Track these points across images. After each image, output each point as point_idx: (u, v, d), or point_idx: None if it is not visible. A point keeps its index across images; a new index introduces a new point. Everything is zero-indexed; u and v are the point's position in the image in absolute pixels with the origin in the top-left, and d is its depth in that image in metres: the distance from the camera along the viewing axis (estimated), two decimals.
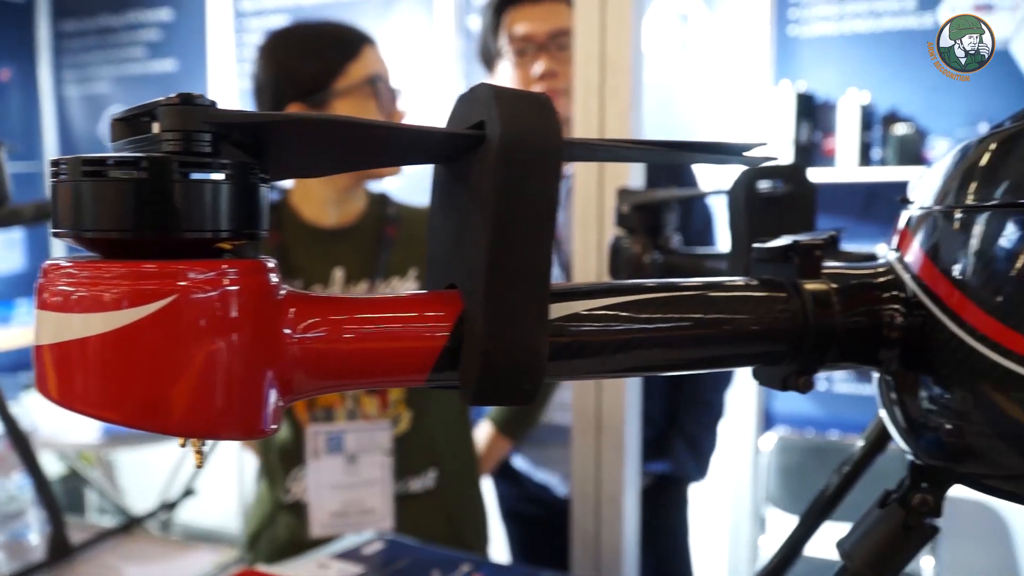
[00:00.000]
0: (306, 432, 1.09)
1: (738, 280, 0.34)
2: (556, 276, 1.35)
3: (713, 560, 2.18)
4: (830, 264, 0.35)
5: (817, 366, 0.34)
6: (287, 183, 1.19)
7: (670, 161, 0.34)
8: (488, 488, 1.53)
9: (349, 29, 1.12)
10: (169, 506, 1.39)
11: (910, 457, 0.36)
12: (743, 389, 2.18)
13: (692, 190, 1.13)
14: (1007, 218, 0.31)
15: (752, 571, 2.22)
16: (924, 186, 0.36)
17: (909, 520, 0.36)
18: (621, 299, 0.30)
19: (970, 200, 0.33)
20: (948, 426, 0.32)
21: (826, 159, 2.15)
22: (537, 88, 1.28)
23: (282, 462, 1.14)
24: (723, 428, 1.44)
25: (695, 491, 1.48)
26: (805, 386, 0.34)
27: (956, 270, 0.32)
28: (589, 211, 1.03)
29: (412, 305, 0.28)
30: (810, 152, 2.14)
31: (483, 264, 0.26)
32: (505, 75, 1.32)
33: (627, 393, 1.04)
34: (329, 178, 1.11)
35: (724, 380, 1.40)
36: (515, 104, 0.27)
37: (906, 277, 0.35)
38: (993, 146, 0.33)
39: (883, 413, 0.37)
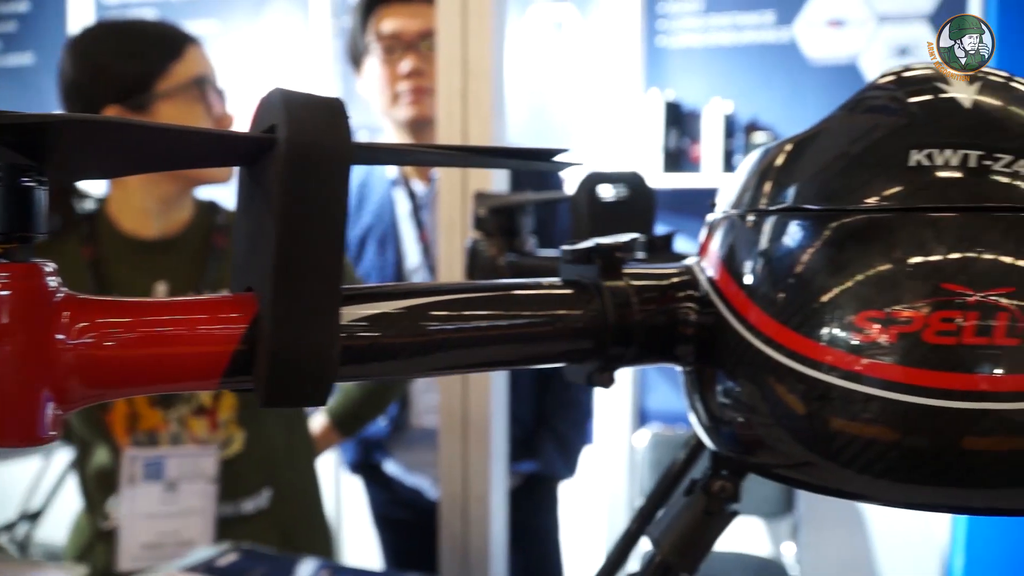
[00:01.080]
0: (123, 457, 1.03)
1: (544, 281, 0.36)
2: (426, 279, 1.35)
3: (589, 556, 2.23)
4: (634, 266, 0.37)
5: (619, 363, 0.36)
6: (102, 192, 1.13)
7: (479, 166, 0.35)
8: (360, 494, 1.51)
9: (171, 28, 1.07)
10: (7, 527, 1.31)
11: (710, 447, 0.38)
12: (617, 387, 2.24)
13: (549, 193, 1.15)
14: (785, 222, 0.33)
15: (628, 567, 2.29)
16: (726, 191, 0.39)
17: (710, 506, 0.38)
18: (420, 301, 0.31)
19: (757, 204, 0.35)
20: (739, 419, 0.34)
21: (692, 165, 2.24)
22: (404, 86, 1.28)
23: (100, 487, 1.07)
24: (593, 425, 1.48)
25: (569, 489, 1.51)
26: (607, 381, 0.36)
27: (741, 271, 0.34)
28: (453, 215, 1.04)
29: (204, 308, 0.28)
30: (678, 158, 2.23)
31: (271, 266, 0.27)
32: (372, 73, 1.31)
33: (492, 394, 1.05)
34: (151, 185, 1.06)
35: None
36: (304, 108, 0.27)
37: (702, 278, 0.37)
38: (783, 152, 0.36)
39: (687, 406, 0.39)
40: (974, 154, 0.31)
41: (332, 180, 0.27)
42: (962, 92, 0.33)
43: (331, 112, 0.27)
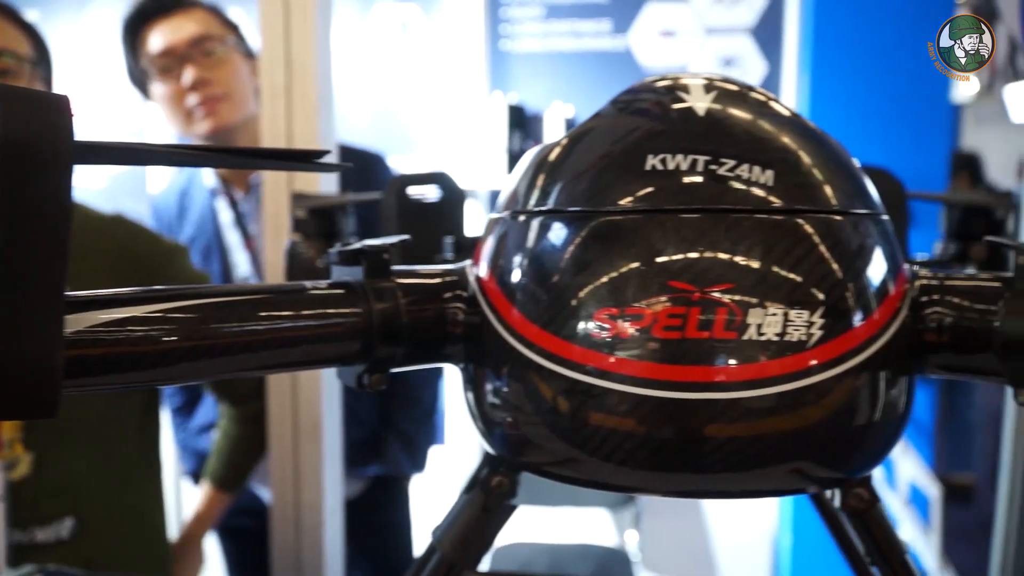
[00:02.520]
0: None
1: (311, 283, 0.35)
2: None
3: None
4: (407, 267, 0.37)
5: (390, 364, 0.36)
6: None
7: (225, 166, 0.34)
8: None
9: None
10: None
11: (485, 447, 0.39)
12: None
13: (366, 195, 1.14)
14: (542, 223, 0.35)
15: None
16: (504, 191, 0.40)
17: (488, 503, 0.39)
18: (161, 306, 0.30)
19: (523, 205, 0.36)
20: (507, 419, 0.35)
21: None
22: (192, 99, 1.20)
23: None
24: (444, 424, 1.48)
25: (424, 486, 1.51)
26: (378, 384, 0.36)
27: (504, 272, 0.35)
28: (278, 218, 1.01)
29: None
30: None
31: None
32: (158, 95, 1.24)
33: (324, 395, 1.03)
34: None
35: (434, 375, 1.44)
36: (22, 105, 0.25)
37: (471, 278, 0.37)
38: (548, 154, 0.37)
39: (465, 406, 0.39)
40: (702, 159, 0.33)
41: (51, 179, 0.25)
42: (700, 101, 0.35)
43: (52, 108, 0.26)
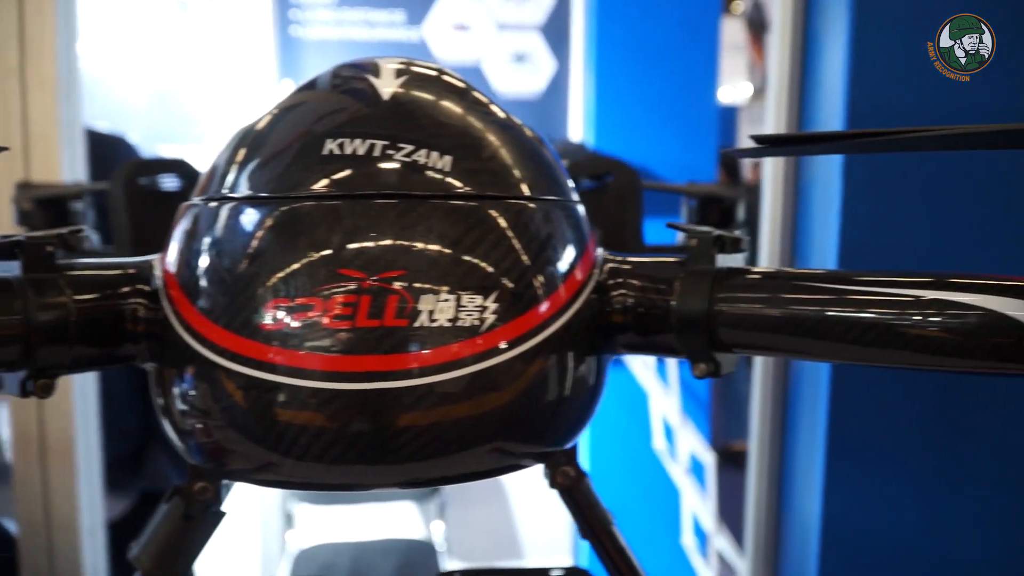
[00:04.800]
0: None
1: None
2: None
3: (244, 557, 2.14)
4: (81, 260, 0.34)
5: (59, 368, 0.32)
6: None
7: None
8: None
9: None
10: None
11: (182, 455, 0.37)
12: None
13: (100, 183, 1.06)
14: (220, 210, 0.33)
15: (281, 564, 2.23)
16: (202, 176, 0.37)
17: (190, 510, 0.37)
18: None
19: (211, 192, 0.34)
20: (197, 425, 0.33)
21: None
22: None
23: None
24: None
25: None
26: (45, 391, 0.32)
27: (184, 266, 0.33)
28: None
29: None
30: None
31: None
32: None
33: (76, 410, 0.94)
34: None
35: None
36: None
37: (158, 271, 0.35)
38: (239, 138, 0.35)
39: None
40: (380, 144, 0.32)
41: None
42: (387, 85, 0.35)
43: None
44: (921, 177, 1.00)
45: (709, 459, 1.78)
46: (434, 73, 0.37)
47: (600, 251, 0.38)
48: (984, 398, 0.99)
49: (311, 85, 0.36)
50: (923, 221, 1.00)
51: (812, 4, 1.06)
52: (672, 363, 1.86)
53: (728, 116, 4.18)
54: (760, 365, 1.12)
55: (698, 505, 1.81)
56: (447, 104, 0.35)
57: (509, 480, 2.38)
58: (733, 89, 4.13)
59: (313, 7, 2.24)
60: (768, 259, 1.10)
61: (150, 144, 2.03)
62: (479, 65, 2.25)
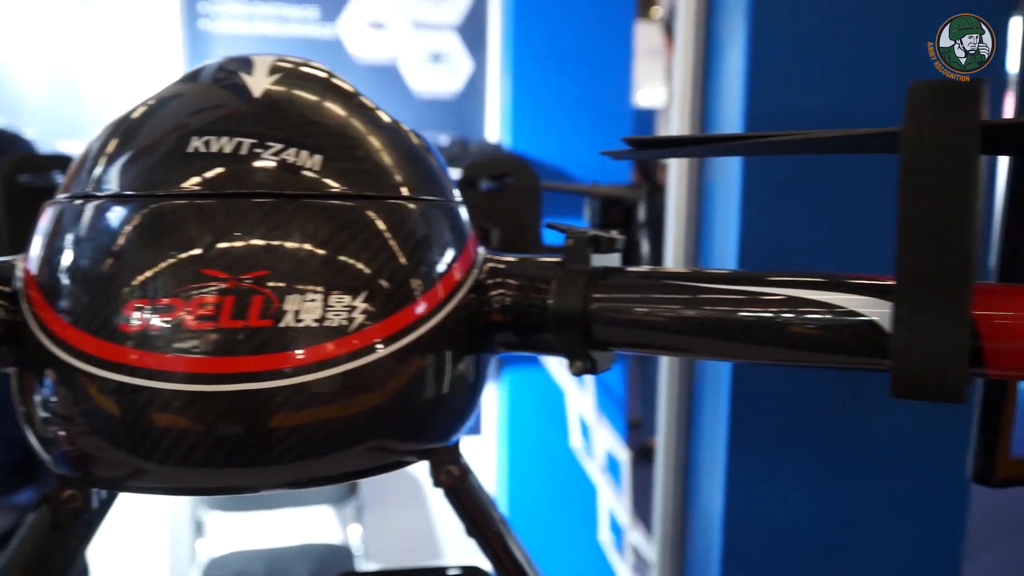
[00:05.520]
0: None
1: None
2: None
3: (154, 567, 2.07)
4: None
5: None
6: None
7: None
8: None
9: None
10: None
11: (47, 465, 0.35)
12: None
13: None
14: (82, 208, 0.32)
15: (192, 573, 2.17)
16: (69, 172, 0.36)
17: (59, 520, 0.35)
18: None
19: (75, 189, 0.33)
20: (61, 432, 0.32)
21: None
22: None
23: None
24: None
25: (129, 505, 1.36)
26: None
27: (44, 263, 0.32)
28: None
29: None
30: None
31: None
32: None
33: None
34: None
35: None
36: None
37: (19, 272, 0.34)
38: (107, 134, 0.34)
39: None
40: (247, 142, 0.32)
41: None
42: (259, 82, 0.34)
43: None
44: (815, 180, 1.04)
45: (624, 456, 1.82)
46: (311, 72, 0.36)
47: (481, 250, 0.39)
48: (872, 392, 1.04)
49: (192, 76, 0.35)
50: (817, 221, 1.05)
51: (714, 11, 1.10)
52: None
53: (647, 119, 4.27)
54: (666, 364, 1.15)
55: (614, 501, 1.84)
56: (320, 103, 0.35)
57: (428, 480, 2.37)
58: (652, 92, 4.22)
59: (222, 1, 2.19)
60: (673, 259, 1.13)
61: (50, 139, 1.94)
62: (395, 64, 2.23)
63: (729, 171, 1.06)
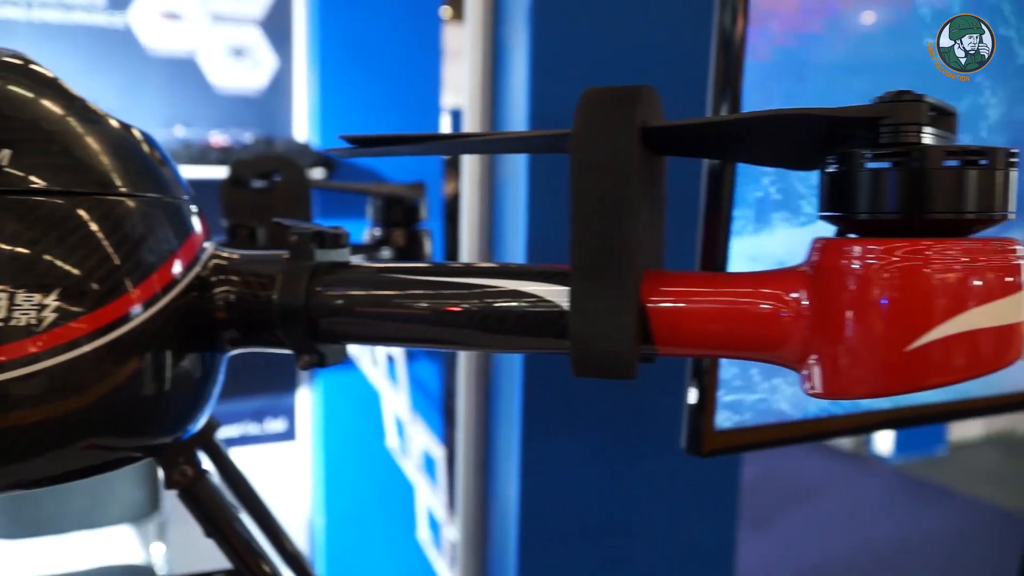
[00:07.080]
0: None
1: None
2: None
3: None
4: None
5: None
6: None
7: None
8: None
9: None
10: None
11: None
12: None
13: None
14: None
15: None
16: None
17: None
18: None
19: None
20: None
21: None
22: None
23: None
24: None
25: None
26: None
27: None
28: None
29: None
30: None
31: None
32: None
33: None
34: None
35: None
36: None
37: None
38: None
39: None
40: None
41: None
42: None
43: None
44: None
45: (439, 453, 1.84)
46: (16, 65, 0.35)
47: (208, 246, 0.38)
48: (650, 382, 1.12)
49: None
50: None
51: (500, 15, 1.14)
52: (400, 361, 1.89)
53: (459, 118, 4.32)
54: (463, 361, 1.18)
55: (431, 499, 1.86)
56: (13, 95, 0.33)
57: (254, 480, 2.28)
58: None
59: None
60: (468, 255, 1.16)
61: None
62: (194, 57, 2.13)
63: (516, 171, 1.10)
